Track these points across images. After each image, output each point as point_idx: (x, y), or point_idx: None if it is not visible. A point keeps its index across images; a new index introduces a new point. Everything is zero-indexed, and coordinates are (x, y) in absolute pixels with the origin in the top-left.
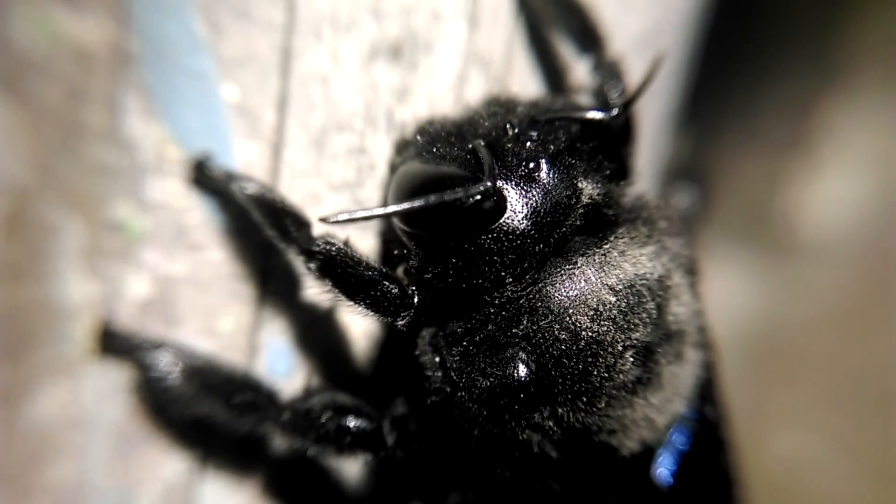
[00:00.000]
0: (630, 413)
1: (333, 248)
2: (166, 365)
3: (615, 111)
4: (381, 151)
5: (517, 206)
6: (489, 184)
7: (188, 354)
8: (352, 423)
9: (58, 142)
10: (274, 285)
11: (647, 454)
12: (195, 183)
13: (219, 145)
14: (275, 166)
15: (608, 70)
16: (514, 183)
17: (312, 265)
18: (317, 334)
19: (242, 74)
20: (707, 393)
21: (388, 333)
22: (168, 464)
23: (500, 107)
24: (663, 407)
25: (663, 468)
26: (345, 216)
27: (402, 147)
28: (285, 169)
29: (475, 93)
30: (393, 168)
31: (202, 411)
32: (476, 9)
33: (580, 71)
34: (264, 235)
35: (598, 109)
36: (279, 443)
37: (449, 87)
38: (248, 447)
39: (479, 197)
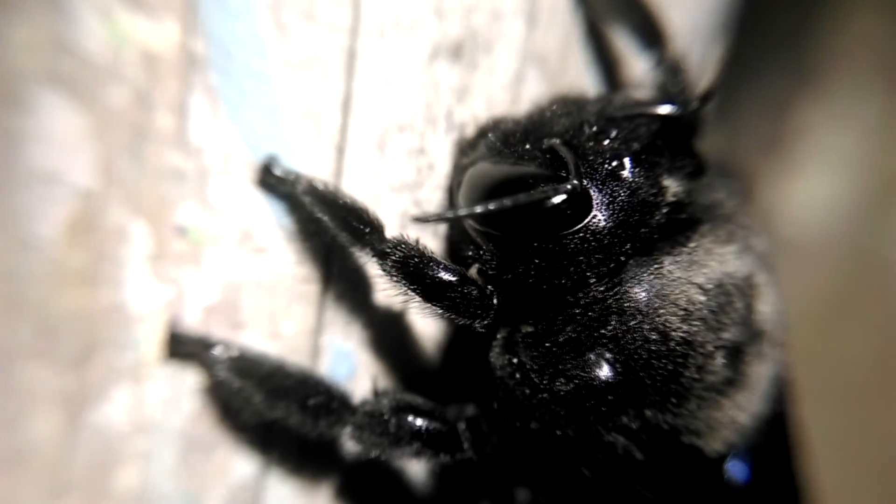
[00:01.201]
0: (717, 414)
1: (409, 250)
2: (236, 368)
3: (693, 106)
4: (441, 152)
5: (603, 206)
6: (576, 182)
7: (258, 357)
8: (427, 425)
9: (124, 145)
10: (336, 287)
11: (725, 452)
12: (261, 185)
13: (284, 147)
14: (338, 167)
15: (673, 66)
16: (599, 182)
17: (388, 267)
18: (381, 336)
19: (308, 76)
20: (782, 392)
21: (455, 334)
22: (234, 469)
23: (571, 105)
24: (748, 407)
25: (738, 466)
26: (435, 216)
27: (470, 146)
28: (348, 170)
29: (532, 91)
30: (462, 167)
31: (275, 415)
32: (535, 7)
33: (637, 66)
34: (333, 237)
35: (676, 105)
36: (348, 445)
37: (506, 85)
38: (313, 450)
39: (566, 196)
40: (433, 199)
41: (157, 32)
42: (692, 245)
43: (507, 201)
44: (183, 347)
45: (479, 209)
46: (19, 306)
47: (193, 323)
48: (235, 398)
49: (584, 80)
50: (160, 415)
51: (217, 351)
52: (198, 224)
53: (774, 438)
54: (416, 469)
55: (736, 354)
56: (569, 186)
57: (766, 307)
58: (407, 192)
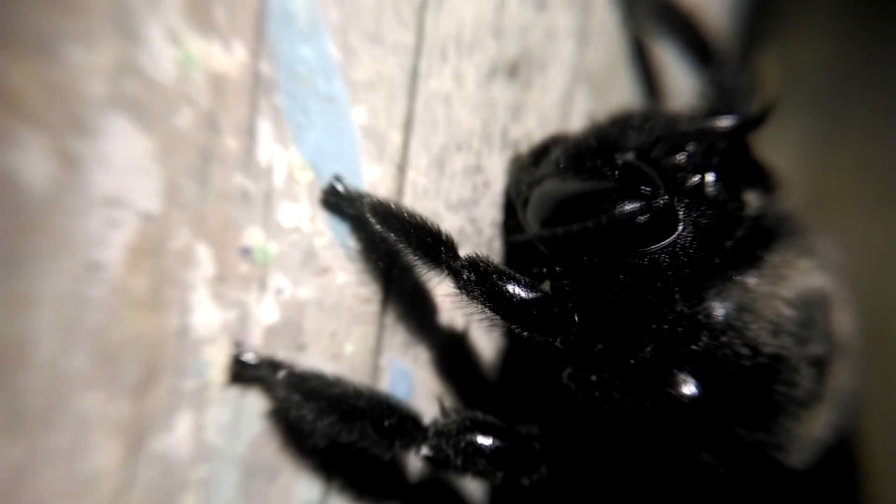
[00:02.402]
0: (800, 428)
1: (487, 267)
2: (305, 391)
3: (758, 118)
4: (496, 169)
5: (690, 221)
6: (666, 198)
7: (327, 379)
8: (501, 444)
9: (189, 168)
10: (395, 307)
11: (803, 465)
12: (326, 205)
13: (348, 167)
14: (400, 186)
15: (730, 79)
16: (684, 197)
17: (464, 285)
18: (439, 354)
19: (372, 97)
20: (853, 406)
21: (517, 351)
22: (296, 494)
23: (637, 120)
24: (827, 420)
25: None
26: (535, 235)
27: (532, 163)
28: (409, 189)
29: (581, 108)
30: (528, 184)
31: (350, 437)
32: (585, 26)
33: (680, 79)
34: (396, 256)
35: (740, 117)
36: (412, 466)
37: (558, 103)
38: (374, 472)
39: (655, 213)
40: (488, 215)
41: (226, 55)
42: (775, 259)
43: (603, 219)
44: (249, 371)
45: (575, 227)
46: (78, 333)
47: (256, 345)
48: (303, 421)
49: (629, 95)
50: (222, 441)
51: (284, 373)
52: (263, 245)
53: (842, 451)
54: (475, 488)
55: (819, 368)
56: (660, 202)
57: (842, 318)
58: (463, 209)
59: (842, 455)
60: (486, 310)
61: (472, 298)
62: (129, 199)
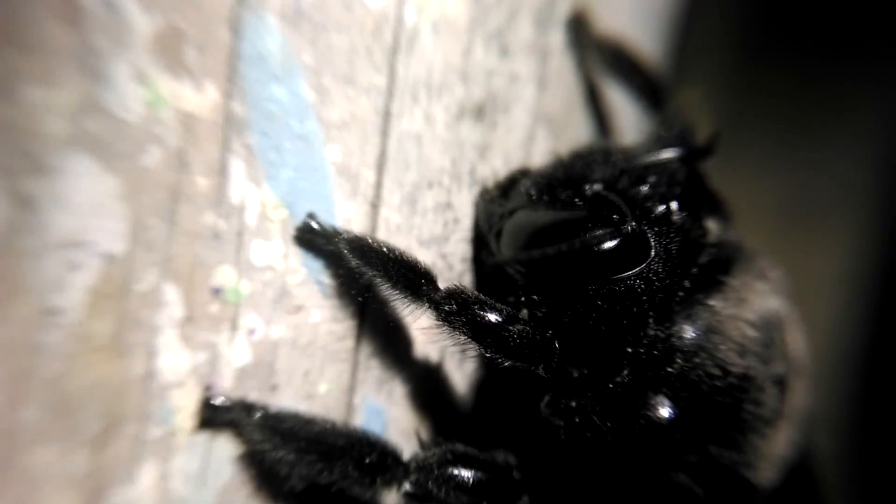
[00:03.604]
0: (767, 445)
1: (467, 298)
2: (281, 432)
3: (706, 150)
4: (464, 206)
5: (661, 247)
6: (634, 226)
7: (303, 419)
8: (483, 476)
9: (157, 207)
10: (369, 344)
11: (769, 483)
12: (300, 242)
13: (322, 205)
14: (373, 223)
15: (677, 117)
16: (653, 225)
17: (445, 317)
18: (413, 390)
19: (345, 136)
20: (809, 423)
21: (491, 382)
22: None
23: (599, 154)
24: (789, 438)
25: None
26: (511, 258)
27: (501, 195)
28: (382, 225)
29: (542, 148)
30: (500, 216)
31: (331, 478)
32: (545, 71)
33: (630, 118)
34: (371, 291)
35: (692, 150)
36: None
37: (521, 143)
38: None
39: (625, 240)
40: (459, 251)
41: (197, 95)
42: (736, 283)
43: (578, 243)
44: (220, 415)
45: (553, 251)
46: (30, 383)
47: (227, 388)
48: (281, 463)
49: (584, 135)
50: (189, 490)
51: (259, 415)
52: (234, 285)
53: (802, 468)
54: None
55: (781, 386)
56: (631, 229)
57: (795, 338)
58: (435, 245)
59: (803, 472)
60: (469, 340)
61: (454, 329)
62: (90, 240)
